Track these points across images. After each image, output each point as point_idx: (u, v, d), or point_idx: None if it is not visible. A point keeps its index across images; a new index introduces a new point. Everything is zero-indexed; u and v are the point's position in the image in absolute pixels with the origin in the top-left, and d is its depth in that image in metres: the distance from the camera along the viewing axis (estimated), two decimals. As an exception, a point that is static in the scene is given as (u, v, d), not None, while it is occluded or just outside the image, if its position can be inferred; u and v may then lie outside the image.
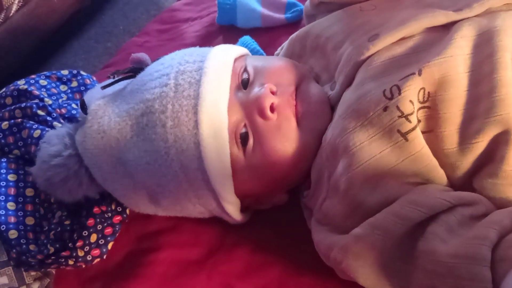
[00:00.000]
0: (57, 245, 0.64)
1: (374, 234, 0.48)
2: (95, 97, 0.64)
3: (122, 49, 1.07)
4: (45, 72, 0.81)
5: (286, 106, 0.58)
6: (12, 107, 0.73)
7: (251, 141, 0.57)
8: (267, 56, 0.80)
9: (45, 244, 0.64)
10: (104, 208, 0.67)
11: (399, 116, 0.50)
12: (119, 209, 0.68)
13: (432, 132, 0.51)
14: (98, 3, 1.42)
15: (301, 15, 0.92)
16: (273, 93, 0.58)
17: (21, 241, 0.63)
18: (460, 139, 0.50)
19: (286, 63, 0.63)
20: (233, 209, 0.61)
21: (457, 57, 0.51)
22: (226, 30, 0.98)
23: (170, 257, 0.65)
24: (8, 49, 1.11)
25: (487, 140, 0.49)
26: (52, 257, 0.63)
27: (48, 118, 0.71)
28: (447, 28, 0.55)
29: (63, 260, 0.63)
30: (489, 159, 0.50)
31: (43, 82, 0.78)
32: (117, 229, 0.67)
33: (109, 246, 0.67)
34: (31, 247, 0.63)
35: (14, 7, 1.09)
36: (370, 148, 0.51)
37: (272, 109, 0.57)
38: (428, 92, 0.51)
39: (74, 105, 0.77)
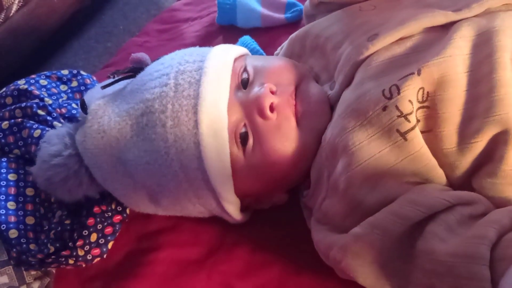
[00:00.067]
0: (57, 245, 0.64)
1: (373, 233, 0.48)
2: (95, 96, 0.64)
3: (122, 49, 1.07)
4: (45, 72, 0.81)
5: (286, 106, 0.58)
6: (12, 107, 0.73)
7: (250, 140, 0.57)
8: (267, 56, 0.80)
9: (45, 243, 0.64)
10: (104, 208, 0.67)
11: (398, 116, 0.50)
12: (119, 208, 0.68)
13: (431, 131, 0.51)
14: (98, 3, 1.41)
15: (301, 15, 0.92)
16: (272, 92, 0.58)
17: (21, 240, 0.63)
18: (459, 139, 0.50)
19: (286, 63, 0.63)
20: (233, 208, 0.62)
21: (456, 57, 0.51)
22: (226, 30, 0.98)
23: (170, 256, 0.65)
24: (8, 49, 1.11)
25: (486, 140, 0.49)
26: (52, 257, 0.63)
27: (48, 118, 0.71)
28: (446, 28, 0.55)
29: (63, 259, 0.64)
30: (488, 158, 0.50)
31: (43, 82, 0.78)
32: (117, 228, 0.67)
33: (109, 245, 0.67)
34: (31, 246, 0.63)
35: (14, 7, 1.09)
36: (369, 148, 0.51)
37: (271, 108, 0.57)
38: (427, 92, 0.51)
39: (74, 105, 0.77)
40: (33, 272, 0.65)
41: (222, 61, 0.60)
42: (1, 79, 0.95)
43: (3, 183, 0.66)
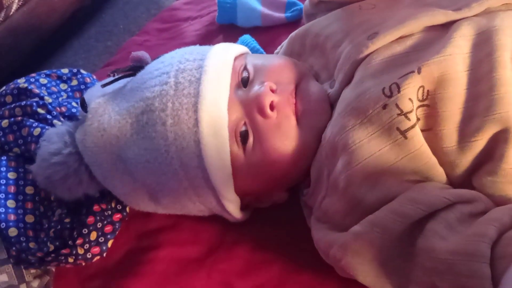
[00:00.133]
0: (57, 243, 0.64)
1: (373, 231, 0.48)
2: (95, 95, 0.64)
3: (122, 48, 1.07)
4: (45, 71, 0.81)
5: (286, 104, 0.58)
6: (12, 105, 0.73)
7: (251, 139, 0.57)
8: (267, 55, 0.80)
9: (45, 242, 0.64)
10: (104, 206, 0.67)
11: (398, 114, 0.50)
12: (119, 207, 0.68)
13: (431, 130, 0.51)
14: (98, 2, 1.42)
15: (301, 14, 0.92)
16: (273, 91, 0.58)
17: (21, 239, 0.63)
18: (459, 137, 0.50)
19: (286, 62, 0.63)
20: (233, 207, 0.62)
21: (456, 55, 0.51)
22: (226, 29, 0.98)
23: (170, 255, 0.65)
24: (9, 48, 1.11)
25: (486, 139, 0.49)
26: (52, 255, 0.63)
27: (48, 116, 0.71)
28: (446, 27, 0.55)
29: (63, 258, 0.63)
30: (488, 157, 0.50)
31: (43, 80, 0.78)
32: (117, 227, 0.67)
33: (109, 244, 0.67)
34: (31, 245, 0.63)
35: (14, 6, 1.10)
36: (369, 146, 0.51)
37: (272, 107, 0.57)
38: (428, 90, 0.51)
39: (74, 104, 0.77)
40: (32, 271, 0.65)
41: (222, 59, 0.60)
42: (1, 77, 0.95)
43: (2, 181, 0.66)
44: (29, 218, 0.65)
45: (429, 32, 0.56)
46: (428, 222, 0.47)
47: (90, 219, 0.65)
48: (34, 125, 0.70)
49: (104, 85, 0.64)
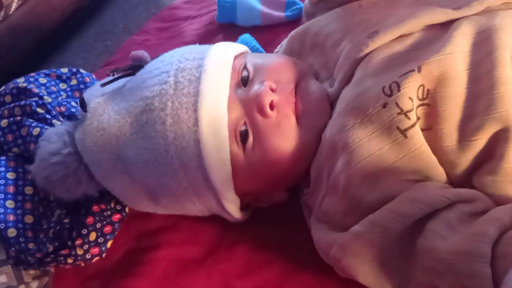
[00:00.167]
0: (56, 244, 0.63)
1: (373, 231, 0.48)
2: (95, 94, 0.64)
3: (122, 47, 1.07)
4: (44, 70, 0.81)
5: (286, 104, 0.58)
6: (12, 105, 0.72)
7: (250, 139, 0.57)
8: (267, 54, 0.80)
9: (44, 242, 0.63)
10: (103, 206, 0.67)
11: (398, 113, 0.50)
12: (118, 207, 0.68)
13: (431, 129, 0.51)
14: (98, 1, 1.42)
15: (300, 13, 0.91)
16: (272, 90, 0.57)
17: (20, 239, 0.63)
18: (459, 136, 0.50)
19: (285, 61, 0.63)
20: (233, 207, 0.61)
21: (456, 54, 0.51)
22: (226, 28, 0.98)
23: (170, 255, 0.65)
24: (8, 48, 1.11)
25: (487, 138, 0.49)
26: (51, 256, 0.63)
27: (48, 116, 0.71)
28: (446, 26, 0.55)
29: (62, 258, 0.63)
30: (489, 156, 0.50)
31: (42, 80, 0.78)
32: (116, 227, 0.67)
33: (108, 244, 0.66)
34: (30, 245, 0.63)
35: (14, 5, 1.09)
36: (369, 145, 0.51)
37: (271, 106, 0.57)
38: (428, 89, 0.51)
39: (73, 103, 0.77)
40: (31, 272, 0.65)
41: (222, 59, 0.60)
42: (0, 77, 0.95)
43: (2, 181, 0.66)
44: (28, 219, 0.65)
45: (429, 31, 0.56)
46: (428, 222, 0.47)
47: (89, 220, 0.65)
48: (33, 124, 0.70)
49: (103, 85, 0.64)
